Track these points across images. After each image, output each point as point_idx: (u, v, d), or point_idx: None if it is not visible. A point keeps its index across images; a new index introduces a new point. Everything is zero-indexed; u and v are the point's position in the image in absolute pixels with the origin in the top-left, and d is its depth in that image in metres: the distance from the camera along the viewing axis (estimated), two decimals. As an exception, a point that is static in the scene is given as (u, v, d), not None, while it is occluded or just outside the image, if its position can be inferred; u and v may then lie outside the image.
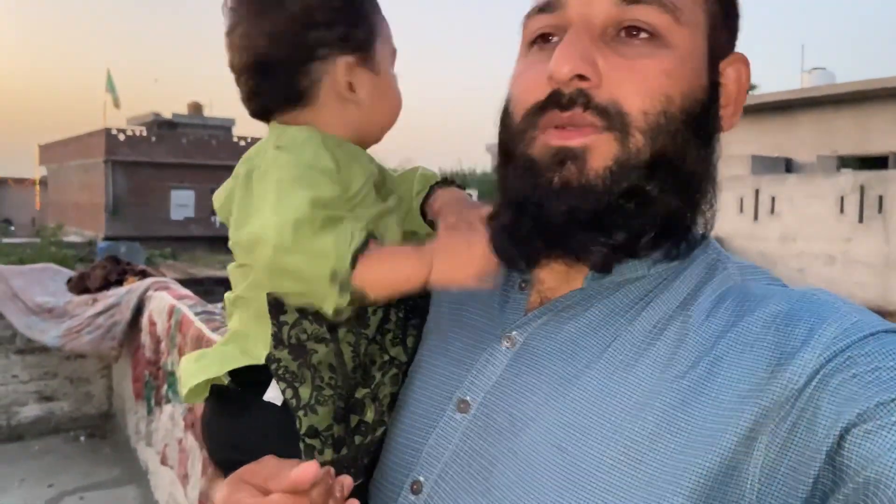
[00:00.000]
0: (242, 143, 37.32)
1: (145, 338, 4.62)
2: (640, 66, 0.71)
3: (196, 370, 0.85)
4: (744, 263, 0.79)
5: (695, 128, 0.73)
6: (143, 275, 5.45)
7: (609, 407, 0.70)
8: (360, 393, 0.85)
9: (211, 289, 7.38)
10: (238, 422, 0.84)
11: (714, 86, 0.76)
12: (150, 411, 4.52)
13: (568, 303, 0.78)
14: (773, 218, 16.60)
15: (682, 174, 0.73)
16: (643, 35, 0.72)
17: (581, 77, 0.70)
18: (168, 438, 4.05)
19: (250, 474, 0.73)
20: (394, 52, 0.96)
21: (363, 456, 0.85)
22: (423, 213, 0.97)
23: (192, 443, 3.55)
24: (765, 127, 19.88)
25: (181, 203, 35.47)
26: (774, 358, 0.65)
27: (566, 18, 0.74)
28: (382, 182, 0.94)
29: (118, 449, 5.41)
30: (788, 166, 19.43)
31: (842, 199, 15.41)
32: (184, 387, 0.86)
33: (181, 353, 3.84)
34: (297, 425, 0.81)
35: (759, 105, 19.87)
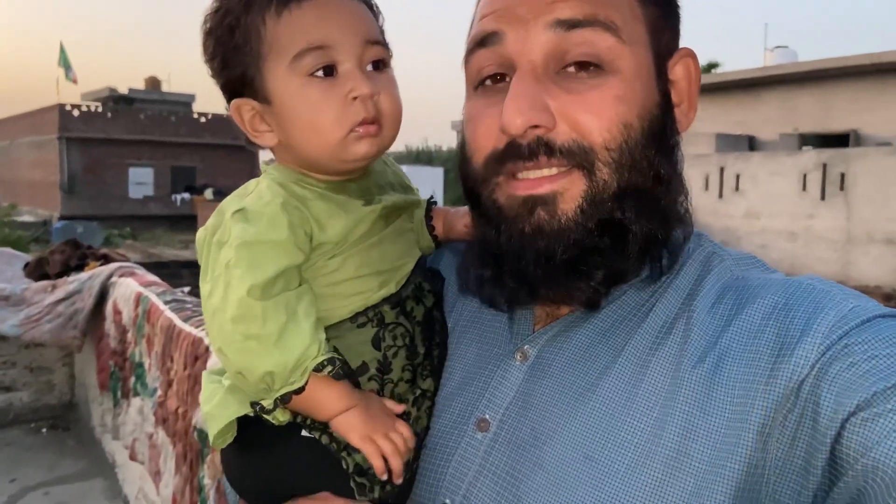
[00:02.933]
0: (203, 119, 36.56)
1: (110, 326, 4.43)
2: (592, 98, 0.70)
3: (218, 412, 0.84)
4: (739, 254, 0.80)
5: (657, 145, 0.73)
6: (105, 259, 5.23)
7: (630, 412, 0.70)
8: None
9: (177, 272, 7.12)
10: (272, 455, 0.83)
11: (666, 93, 0.76)
12: (116, 403, 4.35)
13: (575, 315, 0.79)
14: (737, 195, 16.81)
15: (653, 195, 0.73)
16: (590, 68, 0.71)
17: (535, 126, 0.70)
18: (137, 433, 3.89)
19: None
20: (307, 50, 0.81)
21: (406, 489, 0.84)
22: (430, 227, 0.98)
23: (163, 438, 3.40)
24: (728, 105, 20.06)
25: (140, 181, 34.68)
26: (776, 349, 0.66)
27: (507, 55, 0.73)
28: (403, 203, 0.92)
29: (82, 441, 5.23)
30: (752, 144, 19.66)
31: (804, 176, 15.65)
32: (211, 432, 0.84)
33: (150, 344, 3.68)
34: (344, 465, 0.81)
35: (722, 83, 20.04)
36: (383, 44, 0.86)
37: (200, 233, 0.85)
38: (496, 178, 0.74)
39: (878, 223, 14.18)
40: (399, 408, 0.83)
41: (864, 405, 0.59)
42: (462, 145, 0.80)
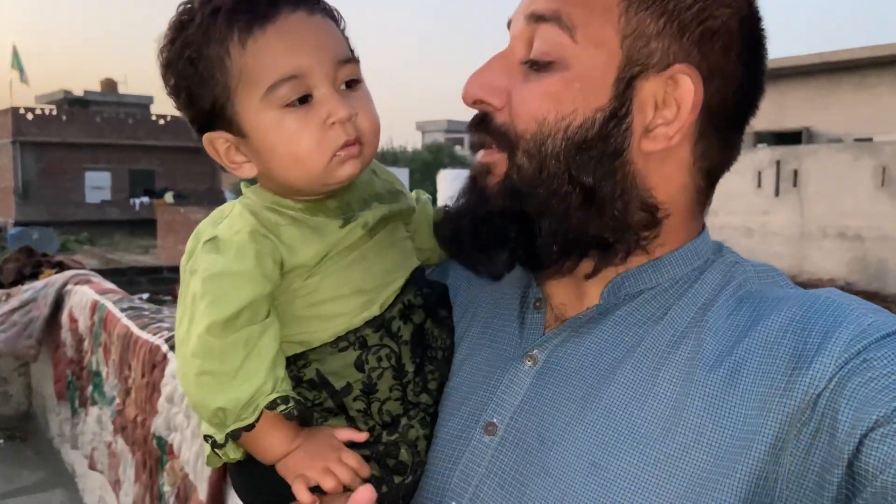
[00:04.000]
0: (162, 121, 35.97)
1: (66, 335, 4.37)
2: (528, 89, 0.75)
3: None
4: (760, 266, 0.79)
5: (587, 148, 0.73)
6: (61, 267, 5.16)
7: (638, 419, 0.70)
8: (390, 437, 0.83)
9: (135, 279, 7.03)
10: (266, 469, 0.81)
11: (624, 101, 0.73)
12: (74, 413, 4.29)
13: (587, 318, 0.79)
14: (695, 193, 17.06)
15: (567, 195, 0.74)
16: (549, 64, 0.74)
17: (480, 101, 0.77)
18: (96, 442, 3.85)
19: None
20: (280, 82, 0.78)
21: (404, 493, 0.84)
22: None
23: (122, 447, 3.38)
24: (686, 103, 20.35)
25: (96, 185, 34.04)
26: (792, 362, 0.66)
27: (510, 36, 0.80)
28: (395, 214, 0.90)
29: (41, 451, 5.14)
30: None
31: (759, 173, 15.98)
32: (206, 452, 0.84)
33: (107, 352, 3.64)
34: None
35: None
36: (354, 60, 0.83)
37: (183, 259, 0.84)
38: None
39: (830, 218, 14.55)
40: (360, 436, 0.81)
41: (884, 421, 0.58)
42: None
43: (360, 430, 0.82)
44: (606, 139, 0.73)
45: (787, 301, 0.71)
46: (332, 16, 0.84)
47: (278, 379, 0.78)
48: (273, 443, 0.79)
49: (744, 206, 16.13)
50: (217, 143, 0.83)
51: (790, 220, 15.36)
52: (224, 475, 2.33)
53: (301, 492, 0.76)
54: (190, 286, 0.79)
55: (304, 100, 0.79)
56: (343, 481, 0.78)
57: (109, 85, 43.35)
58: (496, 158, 0.77)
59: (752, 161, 16.12)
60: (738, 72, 0.74)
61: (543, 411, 0.76)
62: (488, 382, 0.82)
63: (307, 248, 0.81)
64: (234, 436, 0.77)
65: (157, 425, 2.87)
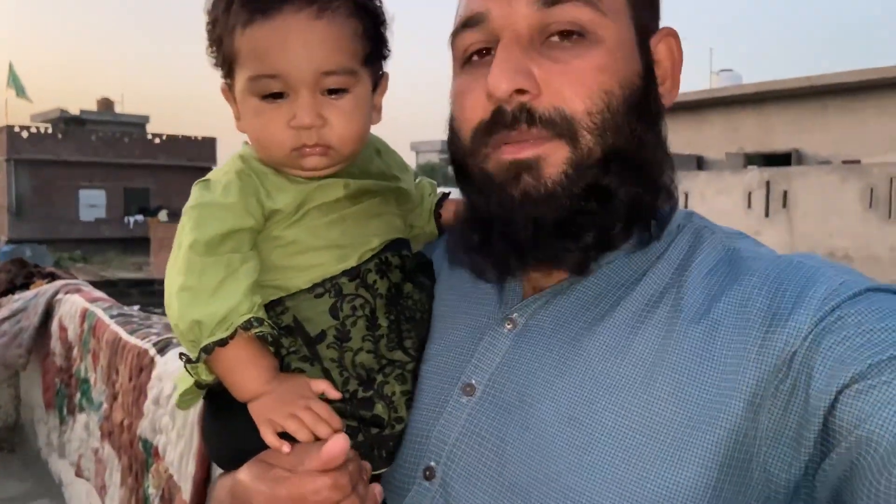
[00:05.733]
0: (157, 140, 36.05)
1: (55, 344, 4.40)
2: (575, 67, 0.72)
3: (187, 376, 0.86)
4: (730, 230, 0.81)
5: (639, 113, 0.75)
6: (52, 277, 5.19)
7: (617, 373, 0.71)
8: (365, 393, 0.86)
9: (125, 290, 7.09)
10: (237, 420, 0.83)
11: (648, 66, 0.77)
12: (62, 421, 4.31)
13: (566, 285, 0.79)
14: (686, 213, 17.16)
15: (637, 161, 0.74)
16: (573, 36, 0.73)
17: (520, 91, 0.72)
18: (83, 449, 3.87)
19: (274, 457, 0.77)
20: (260, 76, 0.85)
21: (380, 446, 0.85)
22: (437, 216, 1.03)
23: (108, 452, 3.41)
24: (677, 125, 20.58)
25: (91, 203, 34.02)
26: (767, 320, 0.67)
27: (492, 30, 0.75)
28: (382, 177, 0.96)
29: (28, 462, 5.14)
30: (699, 163, 20.19)
31: (749, 194, 16.11)
32: (176, 392, 0.88)
33: (95, 359, 3.68)
34: None
35: (671, 105, 20.54)
36: (344, 71, 0.85)
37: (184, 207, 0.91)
38: (485, 149, 0.76)
39: (819, 238, 14.66)
40: (334, 393, 0.83)
41: (859, 377, 0.59)
42: (451, 121, 0.82)
43: (334, 381, 0.84)
44: (650, 104, 0.77)
45: (760, 260, 0.73)
46: (360, 14, 0.87)
47: (254, 304, 0.81)
48: (247, 376, 0.82)
49: (734, 226, 16.23)
50: (226, 91, 0.93)
51: (780, 240, 15.46)
52: (208, 475, 2.37)
53: (268, 435, 0.78)
54: (181, 220, 0.86)
55: (280, 95, 0.85)
56: (308, 427, 0.79)
57: (106, 104, 43.47)
58: (546, 149, 0.73)
59: (742, 182, 16.26)
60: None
61: (523, 371, 0.76)
62: (467, 346, 0.83)
63: (285, 195, 0.87)
64: (208, 350, 0.80)
65: (143, 428, 2.90)
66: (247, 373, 0.81)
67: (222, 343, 0.79)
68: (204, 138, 37.37)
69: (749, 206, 16.08)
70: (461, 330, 0.86)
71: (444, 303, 0.92)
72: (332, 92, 0.86)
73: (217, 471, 0.95)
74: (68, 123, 38.53)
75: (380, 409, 0.85)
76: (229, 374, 0.82)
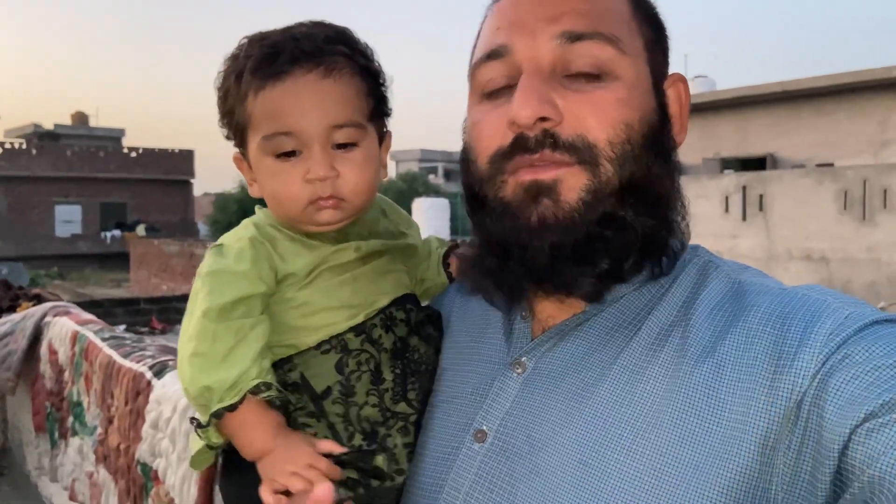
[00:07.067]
0: (133, 153, 35.73)
1: (45, 367, 4.36)
2: (597, 98, 0.74)
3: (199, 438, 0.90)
4: (735, 263, 0.82)
5: (655, 149, 0.77)
6: (38, 299, 5.15)
7: (625, 417, 0.71)
8: (369, 447, 0.88)
9: (112, 311, 7.02)
10: (250, 478, 0.86)
11: (662, 106, 0.80)
12: (53, 445, 4.27)
13: (573, 324, 0.80)
14: (665, 218, 17.30)
15: (652, 194, 0.76)
16: (594, 77, 0.75)
17: (544, 118, 0.73)
18: (77, 473, 3.84)
19: None
20: (274, 134, 0.89)
21: (380, 498, 0.89)
22: (446, 265, 1.07)
23: (104, 476, 3.39)
24: (654, 131, 20.73)
25: (66, 219, 33.65)
26: (774, 358, 0.67)
27: (515, 63, 0.76)
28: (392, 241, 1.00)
29: (18, 486, 5.08)
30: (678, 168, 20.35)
31: (726, 198, 16.30)
32: (189, 453, 0.91)
33: (88, 383, 3.66)
34: None
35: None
36: (352, 125, 0.90)
37: (198, 271, 0.93)
38: (502, 175, 0.76)
39: (796, 241, 14.87)
40: (337, 448, 0.86)
41: (870, 416, 0.59)
42: (465, 150, 0.83)
43: (339, 436, 0.87)
44: (665, 141, 0.79)
45: (765, 294, 0.73)
46: (362, 75, 0.92)
47: (263, 368, 0.85)
48: (255, 436, 0.85)
49: (712, 230, 16.42)
50: (239, 160, 0.98)
51: (757, 243, 15.65)
52: (210, 499, 2.37)
53: (266, 493, 0.82)
54: (195, 286, 0.90)
55: (294, 153, 0.89)
56: (310, 483, 0.82)
57: (80, 118, 43.03)
58: (565, 173, 0.74)
59: (719, 186, 16.45)
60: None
61: (532, 415, 0.76)
62: (477, 391, 0.83)
63: (299, 259, 0.92)
64: (218, 415, 0.83)
65: (142, 452, 2.89)
66: (254, 433, 0.85)
67: (232, 408, 0.83)
68: (181, 151, 37.09)
69: (727, 210, 16.27)
70: (473, 375, 0.86)
71: (455, 348, 0.93)
72: (342, 147, 0.90)
73: (219, 494, 0.99)
74: (42, 138, 38.12)
75: (380, 461, 0.88)
76: (237, 434, 0.86)
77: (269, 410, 0.86)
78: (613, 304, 0.79)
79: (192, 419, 0.88)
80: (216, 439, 0.87)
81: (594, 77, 0.75)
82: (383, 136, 0.98)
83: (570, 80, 0.75)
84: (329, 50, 0.89)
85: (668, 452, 0.68)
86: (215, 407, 0.83)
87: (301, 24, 0.92)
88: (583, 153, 0.73)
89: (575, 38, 0.74)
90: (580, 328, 0.79)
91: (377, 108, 0.95)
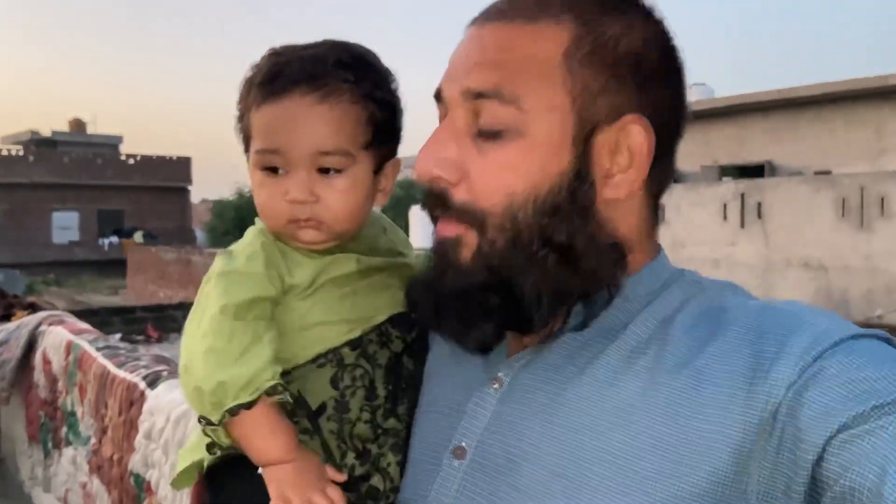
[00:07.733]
0: (131, 160, 35.78)
1: (39, 376, 4.33)
2: (485, 163, 0.74)
3: (186, 455, 0.91)
4: (720, 283, 0.81)
5: (558, 210, 0.74)
6: (33, 308, 5.12)
7: (599, 425, 0.72)
8: (362, 469, 0.89)
9: (107, 319, 6.98)
10: (236, 494, 0.88)
11: (585, 159, 0.74)
12: (47, 454, 4.24)
13: (549, 340, 0.79)
14: (663, 225, 17.20)
15: (545, 257, 0.74)
16: (493, 134, 0.74)
17: (440, 178, 0.75)
18: (70, 483, 3.81)
19: None
20: (264, 150, 0.91)
21: None
22: None
23: (98, 487, 3.36)
24: (652, 139, 20.77)
25: (64, 225, 33.67)
26: (751, 370, 0.68)
27: (445, 106, 0.78)
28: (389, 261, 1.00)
29: (10, 496, 5.04)
30: (675, 176, 20.42)
31: (724, 206, 16.32)
32: (173, 472, 0.93)
33: (82, 392, 3.63)
34: None
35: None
36: (340, 153, 0.90)
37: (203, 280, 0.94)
38: (433, 222, 0.80)
39: (794, 248, 14.88)
40: (339, 476, 0.87)
41: (843, 428, 0.60)
42: None
43: (333, 454, 0.88)
44: (574, 199, 0.74)
45: (744, 309, 0.74)
46: (364, 102, 0.91)
47: (276, 372, 0.84)
48: (272, 442, 0.84)
49: (710, 238, 16.44)
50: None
51: (755, 251, 15.67)
52: (203, 510, 2.35)
53: None
54: (204, 289, 0.89)
55: (279, 170, 0.91)
56: None
57: (78, 125, 43.05)
58: (463, 231, 0.76)
59: (716, 194, 16.48)
60: (669, 96, 0.77)
61: (509, 430, 0.77)
62: (456, 407, 0.83)
63: (302, 270, 0.92)
64: (233, 412, 0.82)
65: (135, 463, 2.87)
66: (271, 438, 0.84)
67: (248, 406, 0.82)
68: (179, 158, 37.15)
69: (724, 217, 16.29)
70: (452, 390, 0.86)
71: (438, 361, 0.93)
72: (326, 171, 0.90)
73: None
74: (39, 145, 38.14)
75: (376, 481, 0.89)
76: (251, 437, 0.85)
77: (284, 418, 0.85)
78: (589, 319, 0.78)
79: (202, 418, 0.86)
80: (224, 439, 0.86)
81: (497, 134, 0.74)
82: (382, 164, 0.97)
83: (480, 137, 0.75)
84: (333, 75, 0.90)
85: (643, 457, 0.69)
86: (230, 404, 0.82)
87: (320, 44, 0.93)
88: (469, 217, 0.75)
89: (476, 96, 0.74)
90: (556, 342, 0.79)
91: (377, 136, 0.93)
